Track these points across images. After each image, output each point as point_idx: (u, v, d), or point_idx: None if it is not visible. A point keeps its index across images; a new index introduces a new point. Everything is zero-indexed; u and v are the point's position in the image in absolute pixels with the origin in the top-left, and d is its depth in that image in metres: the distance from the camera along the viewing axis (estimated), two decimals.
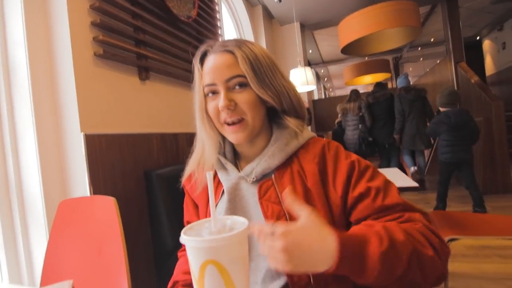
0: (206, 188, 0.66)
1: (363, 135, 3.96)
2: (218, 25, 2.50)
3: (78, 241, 0.90)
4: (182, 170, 0.71)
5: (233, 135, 0.59)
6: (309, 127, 4.70)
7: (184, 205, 0.75)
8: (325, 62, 8.79)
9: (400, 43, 4.23)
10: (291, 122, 0.61)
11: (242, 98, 0.58)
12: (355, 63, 7.07)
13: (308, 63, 6.49)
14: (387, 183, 0.56)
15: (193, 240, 0.35)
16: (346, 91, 14.17)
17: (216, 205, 0.64)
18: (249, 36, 3.79)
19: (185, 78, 1.91)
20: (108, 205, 0.86)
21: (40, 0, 1.24)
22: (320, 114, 6.11)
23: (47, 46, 1.24)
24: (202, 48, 0.64)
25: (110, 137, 1.33)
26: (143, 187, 1.50)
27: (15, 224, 1.18)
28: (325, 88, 13.81)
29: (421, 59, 9.14)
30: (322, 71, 10.15)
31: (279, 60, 4.40)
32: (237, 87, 0.58)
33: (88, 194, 1.19)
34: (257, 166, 0.61)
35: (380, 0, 3.63)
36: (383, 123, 3.96)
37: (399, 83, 3.91)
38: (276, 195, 0.58)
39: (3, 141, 1.18)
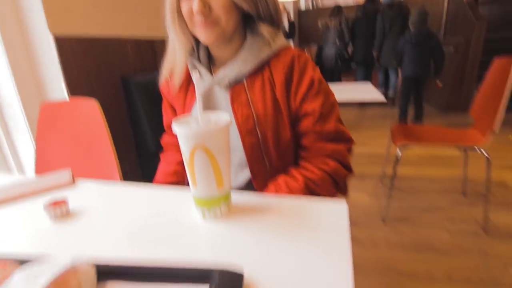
0: (181, 90, 0.70)
1: (339, 52, 3.94)
2: None
3: (66, 140, 0.94)
4: (158, 76, 0.72)
5: (204, 35, 0.59)
6: (292, 40, 4.51)
7: (163, 109, 0.79)
8: None
9: None
10: (264, 29, 0.62)
11: (218, 2, 0.56)
12: None
13: None
14: (331, 108, 0.64)
15: (186, 129, 0.41)
16: (336, 2, 13.08)
17: (192, 109, 0.68)
18: None
19: None
20: (91, 106, 0.88)
21: None
22: (305, 26, 5.77)
23: None
24: None
25: (83, 40, 1.25)
26: (121, 92, 1.50)
27: None
28: None
29: None
30: None
31: None
32: None
33: (66, 97, 1.19)
34: (229, 72, 0.63)
35: None
36: (364, 40, 3.91)
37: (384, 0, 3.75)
38: (247, 99, 0.63)
39: None
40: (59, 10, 1.16)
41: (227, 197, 0.47)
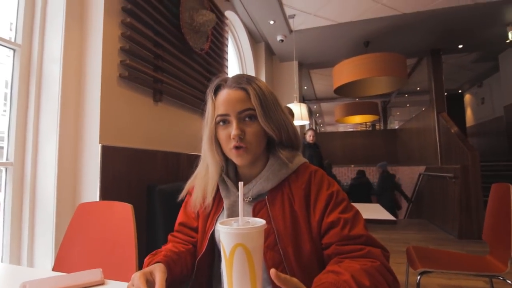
0: (205, 208, 0.76)
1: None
2: (226, 57, 2.73)
3: (92, 240, 0.99)
4: (180, 187, 0.81)
5: (238, 158, 0.71)
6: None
7: (182, 209, 0.83)
8: (318, 99, 9.23)
9: (388, 89, 4.62)
10: (283, 154, 0.72)
11: (251, 129, 0.69)
12: (346, 102, 7.49)
13: (303, 99, 6.84)
14: (356, 216, 0.65)
15: (229, 228, 0.48)
16: (336, 127, 14.70)
17: (217, 219, 0.75)
18: (250, 69, 4.05)
19: (193, 103, 2.08)
20: (126, 210, 0.97)
21: (79, 24, 1.41)
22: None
23: (80, 65, 1.40)
24: (216, 82, 0.76)
25: (122, 150, 1.45)
26: (144, 198, 1.60)
27: (23, 218, 1.26)
28: (316, 124, 14.31)
29: (408, 105, 9.72)
30: (315, 107, 10.60)
31: (277, 91, 4.68)
32: (247, 119, 0.71)
33: (98, 199, 1.29)
34: (253, 188, 0.71)
35: (372, 50, 4.02)
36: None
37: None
38: (268, 215, 0.68)
39: (25, 145, 1.29)
40: (110, 126, 1.40)
41: None
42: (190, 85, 2.06)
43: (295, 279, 0.48)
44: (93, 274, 0.67)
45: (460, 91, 8.36)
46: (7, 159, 1.24)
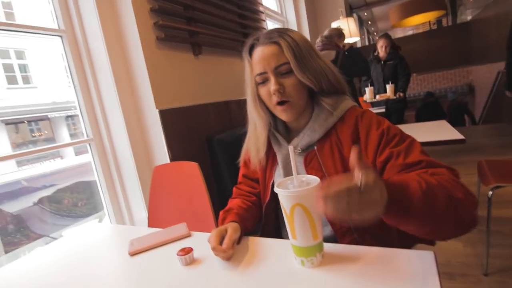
0: (264, 159, 0.81)
1: None
2: None
3: (172, 196, 1.16)
4: (235, 134, 0.85)
5: (283, 113, 0.72)
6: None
7: (242, 164, 0.90)
8: (368, 4, 8.05)
9: None
10: (326, 102, 0.72)
11: (290, 82, 0.69)
12: (403, 1, 6.37)
13: (350, 7, 6.03)
14: (411, 144, 0.62)
15: (285, 191, 0.52)
16: (394, 33, 12.88)
17: (275, 171, 0.80)
18: None
19: (232, 47, 2.03)
20: (193, 168, 1.09)
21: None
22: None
23: (119, 37, 1.44)
24: (249, 42, 0.75)
25: (177, 110, 1.55)
26: (206, 150, 1.74)
27: (115, 185, 1.51)
28: (368, 33, 12.76)
29: None
30: (366, 14, 9.34)
31: (320, 10, 4.20)
32: (284, 72, 0.70)
33: (168, 160, 1.46)
34: (301, 140, 0.74)
35: None
36: None
37: None
38: (319, 164, 0.71)
39: (98, 122, 1.46)
40: (161, 91, 1.48)
41: (321, 248, 0.55)
42: (226, 28, 1.98)
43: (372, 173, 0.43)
44: (181, 228, 0.81)
45: None
46: (87, 136, 1.44)
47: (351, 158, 0.44)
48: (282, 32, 0.71)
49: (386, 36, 3.29)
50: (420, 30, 10.85)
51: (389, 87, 3.07)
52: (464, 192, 0.51)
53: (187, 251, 0.64)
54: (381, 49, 3.23)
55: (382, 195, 0.44)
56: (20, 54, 8.85)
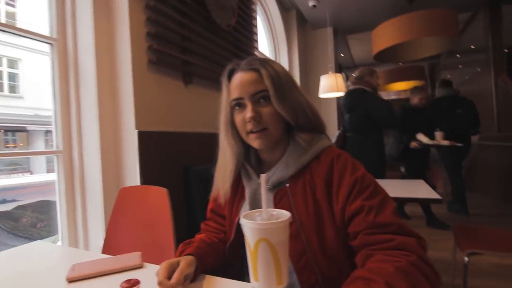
0: (231, 194, 0.76)
1: None
2: (255, 31, 2.63)
3: (134, 222, 1.06)
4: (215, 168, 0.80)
5: (256, 141, 0.68)
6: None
7: (211, 198, 0.83)
8: (356, 66, 8.69)
9: (436, 51, 4.14)
10: (302, 138, 0.69)
11: (266, 111, 0.67)
12: (387, 68, 6.92)
13: (339, 67, 6.47)
14: (384, 201, 0.60)
15: (252, 223, 0.47)
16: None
17: (241, 207, 0.74)
18: (282, 40, 3.89)
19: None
20: (161, 194, 1.01)
21: (106, 13, 1.43)
22: None
23: (111, 54, 1.44)
24: (229, 66, 0.73)
25: (158, 134, 1.50)
26: (181, 180, 1.67)
27: (76, 205, 1.39)
28: None
29: (460, 66, 8.73)
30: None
31: (310, 65, 4.47)
32: (261, 100, 0.67)
33: (139, 183, 1.37)
34: (272, 175, 0.69)
35: (417, 7, 3.60)
36: None
37: None
38: (289, 203, 0.66)
39: (71, 134, 1.39)
40: (144, 112, 1.45)
41: None
42: (219, 64, 2.03)
43: None
44: (133, 258, 0.72)
45: None
46: (57, 148, 1.36)
47: None
48: (264, 61, 0.70)
49: (423, 88, 3.71)
50: (402, 96, 11.69)
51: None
52: (430, 276, 0.50)
53: (133, 283, 0.56)
54: (418, 101, 3.67)
55: None
56: (12, 63, 8.78)
